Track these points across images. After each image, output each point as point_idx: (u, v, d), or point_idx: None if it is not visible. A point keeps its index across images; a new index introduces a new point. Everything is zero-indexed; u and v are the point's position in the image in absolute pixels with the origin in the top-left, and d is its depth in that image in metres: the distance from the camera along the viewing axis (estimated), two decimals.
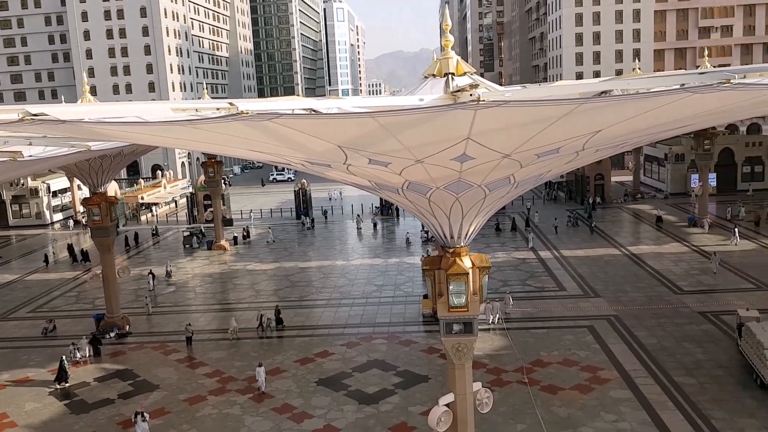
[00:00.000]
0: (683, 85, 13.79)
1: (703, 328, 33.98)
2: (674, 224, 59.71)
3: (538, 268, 47.47)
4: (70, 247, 59.81)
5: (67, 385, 31.30)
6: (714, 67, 62.71)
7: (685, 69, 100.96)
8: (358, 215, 69.70)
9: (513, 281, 44.34)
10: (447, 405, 19.44)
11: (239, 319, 38.15)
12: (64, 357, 32.32)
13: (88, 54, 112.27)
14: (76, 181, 76.99)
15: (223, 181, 72.44)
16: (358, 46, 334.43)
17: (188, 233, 63.73)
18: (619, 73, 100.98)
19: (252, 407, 28.05)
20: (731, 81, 12.16)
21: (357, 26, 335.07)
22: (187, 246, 61.75)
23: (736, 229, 51.97)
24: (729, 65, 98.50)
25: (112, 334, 37.63)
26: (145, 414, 26.02)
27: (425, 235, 58.51)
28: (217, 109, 12.92)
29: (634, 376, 28.80)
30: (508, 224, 62.48)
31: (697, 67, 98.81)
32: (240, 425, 26.54)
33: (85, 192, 44.84)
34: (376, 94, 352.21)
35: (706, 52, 67.15)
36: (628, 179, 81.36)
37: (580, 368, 30.00)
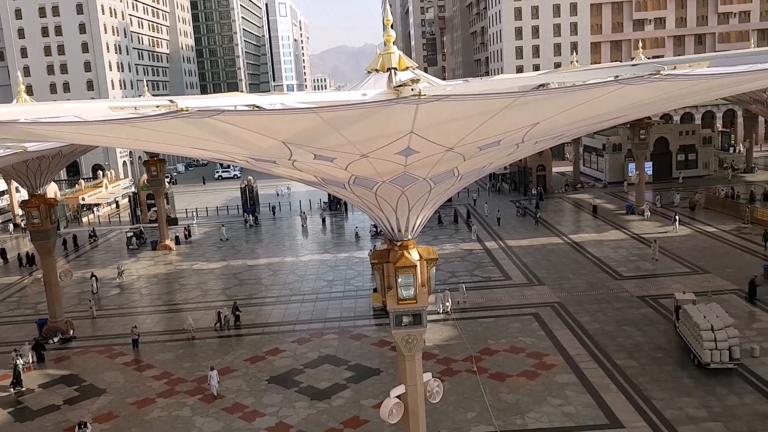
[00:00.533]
0: (617, 77, 14.29)
1: (643, 312, 35.24)
2: (613, 212, 61.58)
3: (484, 259, 48.30)
4: (2, 252, 57.79)
5: (23, 389, 30.65)
6: (648, 58, 64.71)
7: (621, 61, 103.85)
8: (302, 212, 68.81)
9: (461, 272, 44.99)
10: (398, 397, 19.68)
11: (193, 319, 37.56)
12: (18, 361, 31.52)
13: (23, 52, 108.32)
14: (14, 183, 74.22)
15: (167, 179, 71.07)
16: (302, 41, 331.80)
17: (131, 234, 62.31)
18: (558, 66, 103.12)
19: (202, 408, 27.76)
20: (661, 72, 12.67)
21: (300, 21, 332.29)
22: (130, 247, 60.36)
23: (677, 217, 53.89)
24: (663, 56, 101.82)
25: (55, 339, 36.61)
26: (88, 424, 25.27)
27: (374, 229, 58.76)
28: (157, 106, 12.75)
29: (578, 361, 29.69)
30: (451, 217, 63.24)
31: (632, 58, 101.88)
32: (191, 426, 26.24)
33: (24, 194, 43.30)
34: (321, 89, 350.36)
35: (641, 44, 69.26)
36: (569, 170, 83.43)
37: (526, 355, 30.74)
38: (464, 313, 36.80)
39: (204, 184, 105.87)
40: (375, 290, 38.52)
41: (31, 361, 33.32)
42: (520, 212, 63.21)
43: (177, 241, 61.06)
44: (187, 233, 63.19)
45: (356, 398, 27.68)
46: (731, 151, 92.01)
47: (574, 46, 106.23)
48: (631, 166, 72.18)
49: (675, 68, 13.69)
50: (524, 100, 12.56)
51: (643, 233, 52.38)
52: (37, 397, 29.87)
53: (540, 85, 14.86)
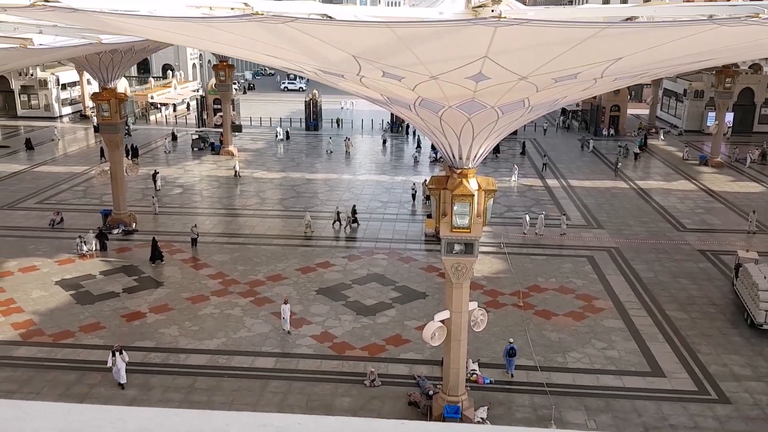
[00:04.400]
0: (711, 16, 13.35)
1: (701, 266, 34.31)
2: (685, 162, 59.16)
3: (544, 196, 47.47)
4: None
5: (162, 262, 33.82)
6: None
7: (716, 1, 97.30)
8: (347, 138, 64.33)
9: (518, 207, 44.45)
10: (442, 321, 19.96)
11: (249, 224, 38.60)
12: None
13: None
14: (86, 76, 76.12)
15: (235, 87, 71.57)
16: None
17: (197, 136, 63.51)
18: (647, 0, 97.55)
19: (252, 310, 28.81)
20: (760, 15, 11.75)
21: None
22: (195, 149, 61.70)
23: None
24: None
25: (118, 230, 38.18)
26: (123, 351, 23.18)
27: (434, 155, 58.23)
28: (232, 8, 12.61)
29: (627, 307, 29.34)
30: (515, 150, 61.92)
31: None
32: (240, 326, 27.34)
33: (95, 87, 44.36)
34: (395, 5, 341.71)
35: None
36: (644, 113, 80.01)
37: (575, 296, 30.54)
38: (515, 248, 36.56)
39: (244, 93, 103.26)
40: (429, 216, 38.55)
41: (94, 249, 35.01)
42: (622, 152, 59.65)
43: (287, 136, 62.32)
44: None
45: (400, 318, 28.21)
46: None
47: None
48: (711, 114, 68.72)
49: None
50: (610, 31, 11.89)
51: (714, 187, 50.33)
52: (98, 283, 31.50)
53: (628, 18, 14.03)
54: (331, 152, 61.15)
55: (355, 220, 39.79)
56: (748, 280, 28.41)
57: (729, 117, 65.63)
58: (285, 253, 35.66)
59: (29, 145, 60.68)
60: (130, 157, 55.55)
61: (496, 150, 60.17)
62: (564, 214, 40.65)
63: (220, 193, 48.48)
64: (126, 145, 58.36)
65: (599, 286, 31.67)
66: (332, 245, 37.01)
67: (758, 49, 18.06)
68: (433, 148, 60.57)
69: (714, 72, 58.60)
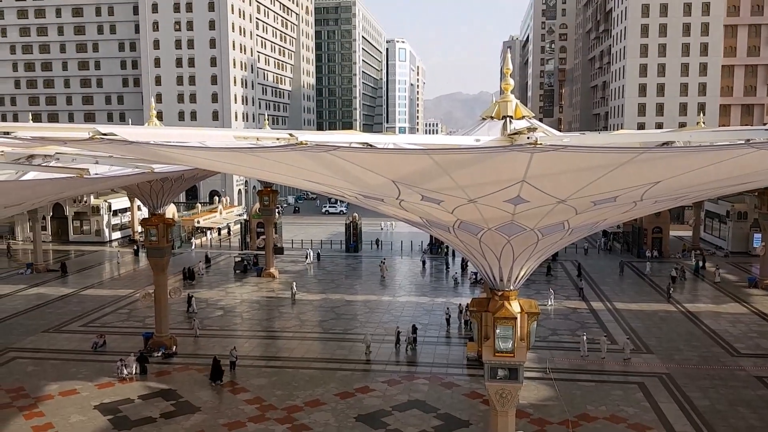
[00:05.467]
0: (749, 140, 13.46)
1: (760, 393, 32.38)
2: (734, 284, 57.51)
3: (589, 319, 46.28)
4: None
5: (221, 383, 33.83)
6: None
7: (752, 125, 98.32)
8: (383, 260, 64.94)
9: (562, 330, 43.30)
10: None
11: (288, 347, 38.26)
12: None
13: (157, 80, 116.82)
14: (137, 202, 79.51)
15: (277, 210, 73.63)
16: (418, 86, 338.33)
17: (240, 259, 64.75)
18: (682, 125, 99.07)
19: None
20: None
21: (418, 66, 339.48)
22: (237, 271, 62.71)
23: None
24: None
25: (159, 353, 38.27)
26: None
27: (474, 276, 57.92)
28: (277, 139, 13.24)
29: None
30: (560, 270, 61.29)
31: (765, 123, 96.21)
32: None
33: (145, 213, 46.18)
34: (433, 133, 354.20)
35: None
36: (687, 234, 79.04)
37: (627, 425, 28.90)
38: (562, 374, 35.23)
39: (291, 212, 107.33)
40: (471, 339, 37.74)
41: (134, 372, 34.99)
42: (679, 273, 58.52)
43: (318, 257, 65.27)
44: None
45: None
46: None
47: (702, 107, 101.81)
48: (757, 236, 67.43)
49: None
50: (647, 156, 12.04)
51: (766, 309, 48.47)
52: (136, 408, 31.18)
53: (664, 143, 14.22)
54: (383, 277, 60.30)
55: (415, 340, 39.63)
56: None
57: None
58: (323, 377, 35.00)
59: (64, 269, 62.41)
60: (183, 280, 56.81)
61: (548, 271, 59.98)
62: (628, 338, 39.88)
63: (260, 315, 48.60)
64: (184, 268, 60.06)
65: (652, 415, 29.98)
66: (372, 369, 36.23)
67: None
68: (465, 265, 60.42)
69: (756, 194, 58.17)
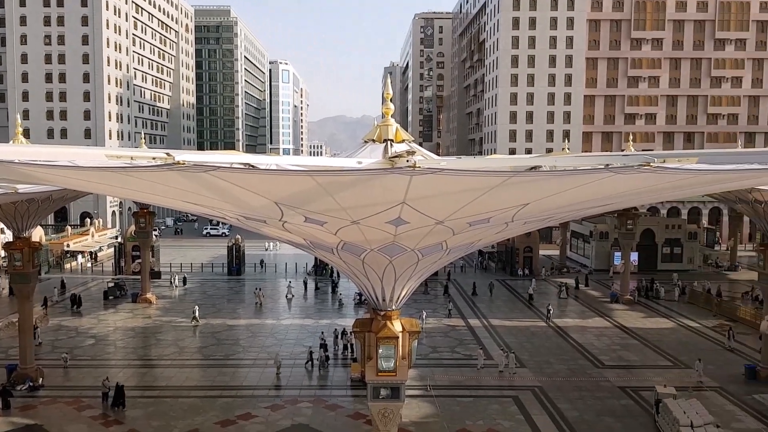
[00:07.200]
0: (608, 165, 14.62)
1: (623, 403, 34.76)
2: (597, 299, 61.60)
3: (467, 336, 47.84)
4: None
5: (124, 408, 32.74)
6: (637, 151, 66.08)
7: (611, 151, 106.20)
8: (289, 282, 64.92)
9: (442, 348, 44.47)
10: None
11: (165, 375, 36.68)
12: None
13: (24, 96, 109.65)
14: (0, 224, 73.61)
15: (164, 230, 70.79)
16: (302, 107, 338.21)
17: (112, 284, 61.53)
18: (549, 151, 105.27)
19: None
20: (651, 164, 12.98)
21: (301, 88, 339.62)
22: (111, 297, 59.49)
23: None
24: (652, 150, 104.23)
25: (24, 387, 35.51)
26: None
27: (358, 297, 58.32)
28: (153, 158, 12.87)
29: None
30: (438, 290, 63.01)
31: (623, 150, 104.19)
32: None
33: (9, 236, 42.88)
34: (317, 155, 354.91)
35: (631, 137, 71.10)
36: (555, 253, 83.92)
37: None
38: (442, 390, 36.14)
39: (159, 237, 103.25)
40: (354, 360, 37.90)
41: None
42: (563, 291, 62.48)
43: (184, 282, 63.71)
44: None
45: None
46: (716, 248, 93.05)
47: (567, 134, 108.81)
48: (617, 254, 72.73)
49: (664, 161, 14.01)
50: (516, 180, 12.79)
51: (627, 323, 52.25)
52: None
53: (532, 167, 15.14)
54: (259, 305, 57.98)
55: (327, 358, 40.28)
56: (669, 416, 28.94)
57: (634, 256, 69.71)
58: (203, 406, 33.84)
59: None
60: (44, 307, 52.99)
61: (425, 289, 61.58)
62: (513, 353, 41.06)
63: (135, 342, 46.32)
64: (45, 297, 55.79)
65: (526, 427, 31.38)
66: (254, 394, 35.47)
67: (652, 193, 19.67)
68: (335, 287, 62.59)
69: (616, 215, 62.88)
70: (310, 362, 39.98)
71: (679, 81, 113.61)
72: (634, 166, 13.29)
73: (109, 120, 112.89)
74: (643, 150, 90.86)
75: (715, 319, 53.51)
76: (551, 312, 53.41)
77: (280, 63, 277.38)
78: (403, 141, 18.25)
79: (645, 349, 44.94)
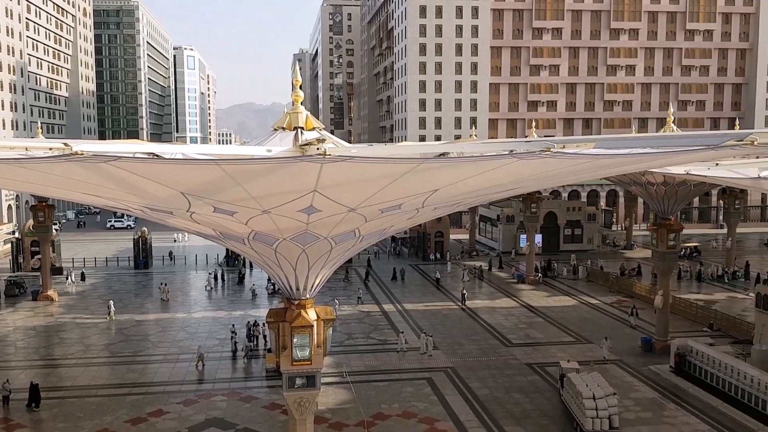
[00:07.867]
0: (512, 151, 15.19)
1: (530, 379, 36.26)
2: (505, 280, 63.78)
3: (381, 321, 48.44)
4: None
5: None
6: (540, 137, 68.85)
7: (516, 137, 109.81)
8: (210, 273, 63.94)
9: (357, 334, 44.83)
10: None
11: (70, 375, 35.06)
12: None
13: None
14: None
15: (65, 224, 67.35)
16: (209, 95, 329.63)
17: (10, 281, 58.22)
18: (458, 138, 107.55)
19: None
20: (551, 150, 13.60)
21: (208, 75, 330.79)
22: (8, 295, 56.26)
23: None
24: (553, 136, 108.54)
25: None
26: None
27: (271, 287, 57.77)
28: (50, 148, 12.31)
29: (468, 427, 29.98)
30: (355, 277, 63.35)
31: (526, 136, 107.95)
32: None
33: None
34: (226, 143, 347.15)
35: (534, 124, 73.87)
36: (465, 237, 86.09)
37: (418, 420, 30.74)
38: (358, 376, 36.50)
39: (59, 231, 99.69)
40: (269, 350, 37.59)
41: None
42: (477, 273, 64.75)
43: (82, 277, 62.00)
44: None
45: None
46: (613, 228, 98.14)
47: (474, 121, 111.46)
48: (523, 237, 75.46)
49: (564, 147, 14.70)
50: (425, 166, 13.07)
51: (533, 302, 54.41)
52: None
53: (441, 154, 15.51)
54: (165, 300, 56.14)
55: (251, 348, 40.36)
56: (573, 389, 30.42)
57: (538, 238, 72.58)
58: (112, 404, 32.67)
59: None
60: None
61: (346, 276, 62.20)
62: (430, 336, 41.72)
63: (37, 342, 44.05)
64: None
65: (440, 407, 32.20)
66: (166, 390, 34.58)
67: (554, 177, 20.57)
68: (241, 278, 62.44)
69: (521, 199, 65.19)
70: (235, 352, 40.18)
71: (578, 69, 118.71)
72: (536, 152, 13.89)
73: (2, 109, 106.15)
74: (545, 136, 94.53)
75: (613, 295, 56.64)
76: (466, 296, 54.60)
77: (185, 49, 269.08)
78: (314, 128, 18.20)
79: (549, 326, 46.97)
